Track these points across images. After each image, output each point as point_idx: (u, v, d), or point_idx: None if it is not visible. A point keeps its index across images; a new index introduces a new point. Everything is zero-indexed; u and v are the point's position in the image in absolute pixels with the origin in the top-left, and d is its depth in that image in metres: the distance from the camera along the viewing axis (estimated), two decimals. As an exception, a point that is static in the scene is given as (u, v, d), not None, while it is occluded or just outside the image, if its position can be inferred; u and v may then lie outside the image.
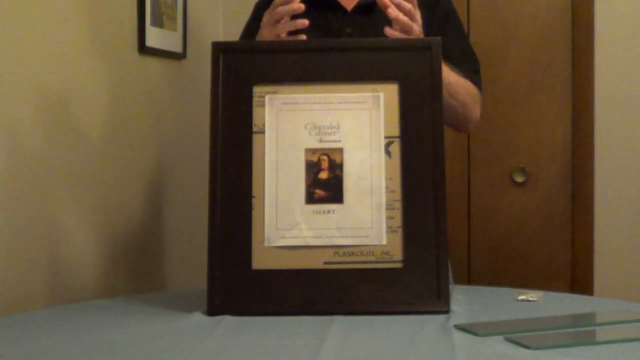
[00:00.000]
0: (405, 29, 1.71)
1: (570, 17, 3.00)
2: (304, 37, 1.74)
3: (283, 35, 1.75)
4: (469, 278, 3.05)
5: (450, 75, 1.83)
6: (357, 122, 1.60)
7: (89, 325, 1.48)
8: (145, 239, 2.44)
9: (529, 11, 3.03)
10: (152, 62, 2.46)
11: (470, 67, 1.98)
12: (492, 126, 2.99)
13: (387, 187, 1.57)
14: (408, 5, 1.71)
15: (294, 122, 1.60)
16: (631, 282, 2.95)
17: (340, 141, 1.59)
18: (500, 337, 1.32)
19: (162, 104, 2.54)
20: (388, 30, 1.71)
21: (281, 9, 1.74)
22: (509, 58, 3.04)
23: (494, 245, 3.07)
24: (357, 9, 1.95)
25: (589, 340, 1.32)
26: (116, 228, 2.27)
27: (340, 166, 1.59)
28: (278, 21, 1.75)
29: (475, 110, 1.98)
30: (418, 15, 1.74)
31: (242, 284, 1.55)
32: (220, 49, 1.62)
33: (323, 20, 1.94)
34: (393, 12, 1.70)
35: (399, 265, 1.55)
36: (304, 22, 1.74)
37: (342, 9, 1.97)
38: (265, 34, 1.78)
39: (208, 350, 1.30)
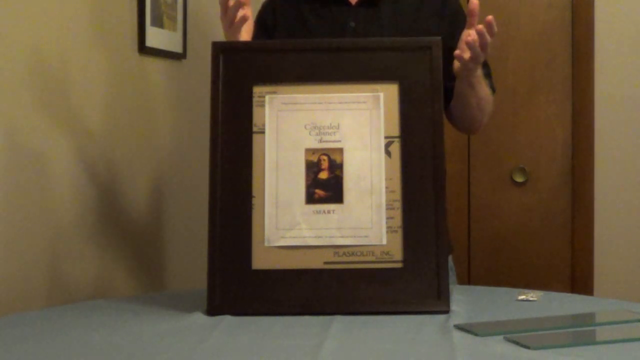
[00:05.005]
0: (477, 59, 1.73)
1: (570, 17, 3.00)
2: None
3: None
4: (469, 278, 3.05)
5: (482, 90, 1.86)
6: (357, 122, 1.60)
7: (88, 325, 1.48)
8: (145, 238, 2.44)
9: (529, 11, 3.03)
10: (152, 62, 2.46)
11: (482, 71, 1.98)
12: (492, 126, 2.98)
13: (387, 187, 1.57)
14: (488, 38, 1.72)
15: (294, 122, 1.60)
16: (631, 282, 2.95)
17: (340, 141, 1.59)
18: (500, 337, 1.32)
19: (162, 104, 2.54)
20: (457, 53, 1.73)
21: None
22: (509, 58, 3.04)
23: (494, 245, 3.07)
24: (362, 2, 1.94)
25: (589, 340, 1.32)
26: (116, 228, 2.26)
27: (340, 166, 1.58)
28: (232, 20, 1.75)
29: (488, 115, 2.01)
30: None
31: (242, 284, 1.55)
32: (220, 49, 1.62)
33: (327, 13, 1.94)
34: (475, 39, 1.71)
35: (399, 265, 1.55)
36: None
37: (347, 2, 1.96)
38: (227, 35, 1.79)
39: (208, 350, 1.30)
